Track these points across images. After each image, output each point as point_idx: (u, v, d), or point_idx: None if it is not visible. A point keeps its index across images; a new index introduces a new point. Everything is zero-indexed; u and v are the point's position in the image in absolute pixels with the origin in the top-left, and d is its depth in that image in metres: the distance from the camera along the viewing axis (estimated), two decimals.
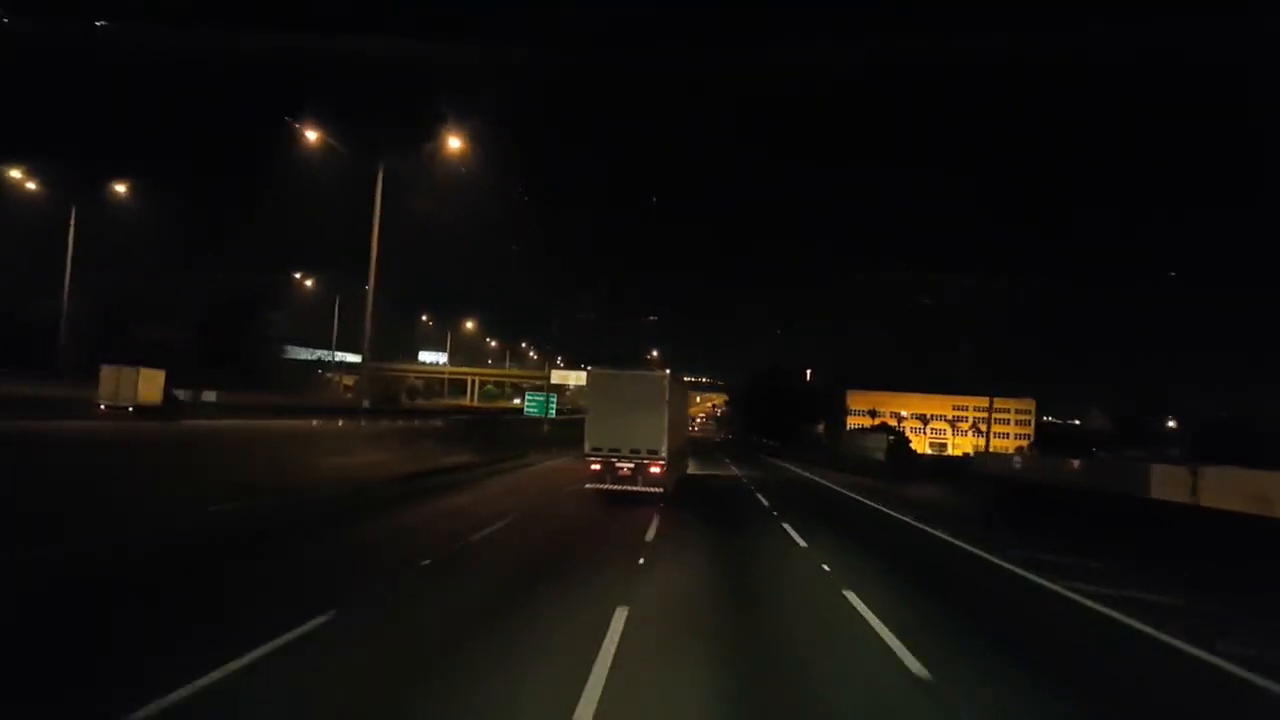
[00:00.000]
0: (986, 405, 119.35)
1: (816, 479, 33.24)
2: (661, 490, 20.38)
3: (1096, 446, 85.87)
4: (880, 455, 72.05)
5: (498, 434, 48.80)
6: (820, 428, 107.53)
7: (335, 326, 68.03)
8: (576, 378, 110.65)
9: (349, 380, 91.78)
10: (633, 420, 20.37)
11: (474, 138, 25.08)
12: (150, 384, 35.35)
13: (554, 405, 63.01)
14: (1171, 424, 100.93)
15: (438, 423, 46.10)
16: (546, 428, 60.85)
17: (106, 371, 33.99)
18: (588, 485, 20.34)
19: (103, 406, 32.81)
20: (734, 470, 39.25)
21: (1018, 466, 31.50)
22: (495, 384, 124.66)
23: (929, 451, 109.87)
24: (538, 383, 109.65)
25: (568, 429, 70.33)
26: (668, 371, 23.16)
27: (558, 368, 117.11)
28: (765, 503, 21.96)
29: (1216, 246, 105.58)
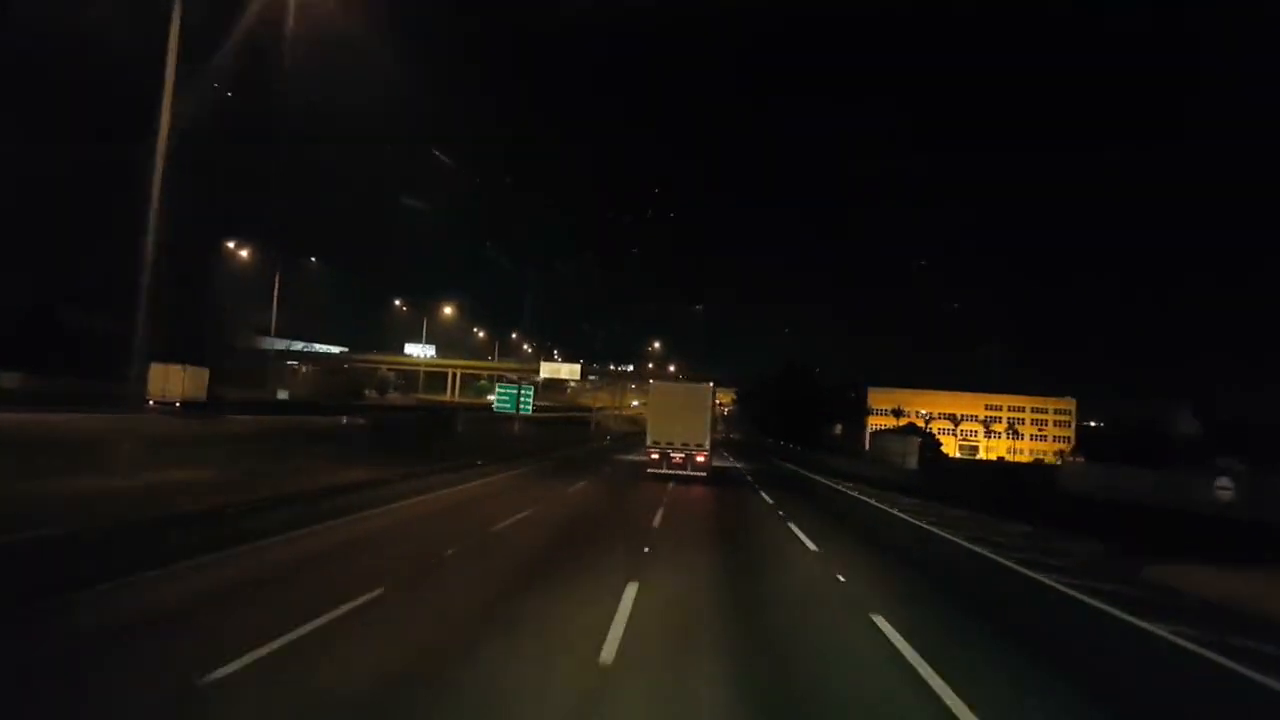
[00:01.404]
0: (1022, 405, 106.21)
1: (923, 526, 19.07)
2: (706, 475, 24.76)
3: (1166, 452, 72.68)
4: (912, 461, 60.02)
5: (440, 436, 36.57)
6: (838, 429, 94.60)
7: (274, 307, 55.81)
8: (570, 371, 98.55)
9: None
10: (685, 420, 24.84)
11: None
12: (195, 381, 36.68)
13: (529, 400, 50.55)
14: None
15: (361, 421, 34.21)
16: (518, 427, 48.41)
17: (155, 369, 34.01)
18: (648, 470, 24.84)
19: (151, 403, 32.28)
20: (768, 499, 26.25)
21: (1228, 497, 18.79)
22: (488, 378, 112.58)
23: (958, 455, 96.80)
24: (533, 376, 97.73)
25: (553, 430, 57.68)
26: (710, 384, 28.45)
27: (553, 360, 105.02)
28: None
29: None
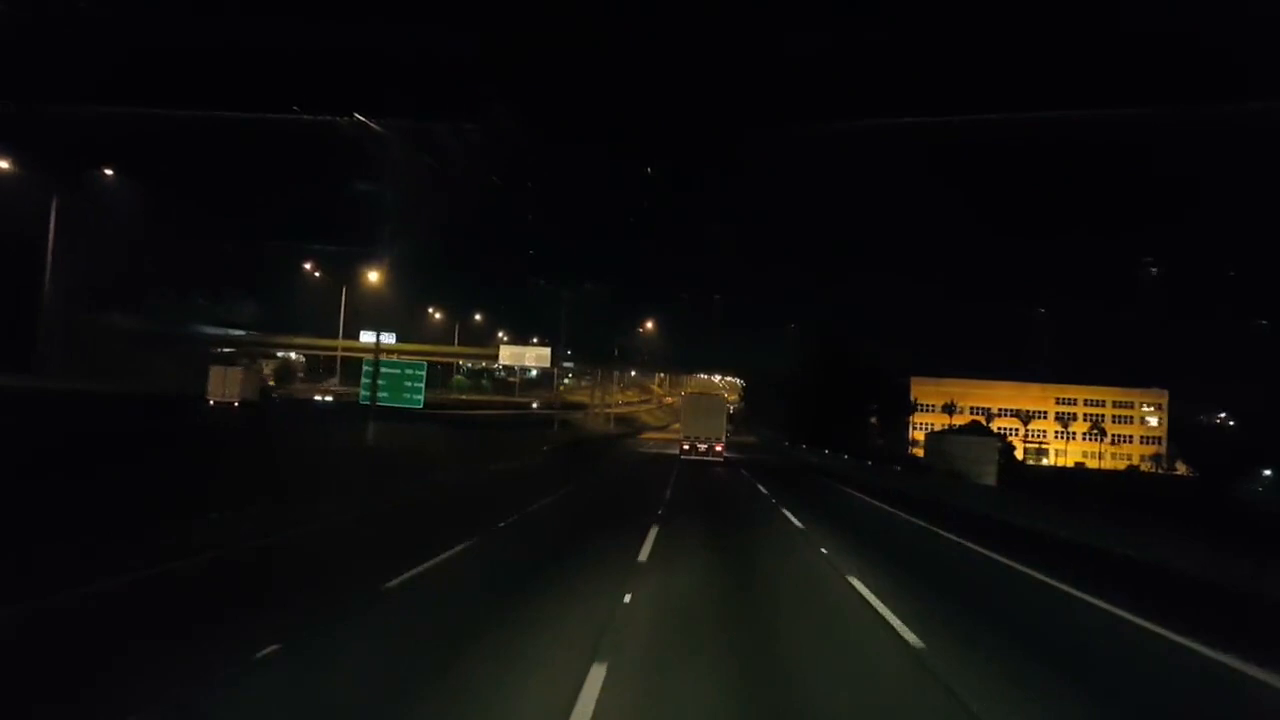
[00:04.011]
0: (1101, 399, 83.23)
1: None
2: (723, 460, 32.89)
3: None
4: (990, 474, 38.32)
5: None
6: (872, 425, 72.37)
7: (49, 263, 34.48)
8: (537, 356, 76.93)
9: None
10: (707, 421, 34.12)
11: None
12: (251, 381, 36.32)
13: (419, 387, 29.21)
14: None
15: None
16: (371, 434, 26.29)
17: (215, 370, 34.93)
18: (681, 457, 32.72)
19: (212, 403, 33.19)
20: None
21: None
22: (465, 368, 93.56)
23: (1023, 459, 74.40)
24: (529, 363, 77.28)
25: (462, 437, 29.59)
26: (724, 394, 50.29)
27: (529, 345, 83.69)
28: None
29: None
